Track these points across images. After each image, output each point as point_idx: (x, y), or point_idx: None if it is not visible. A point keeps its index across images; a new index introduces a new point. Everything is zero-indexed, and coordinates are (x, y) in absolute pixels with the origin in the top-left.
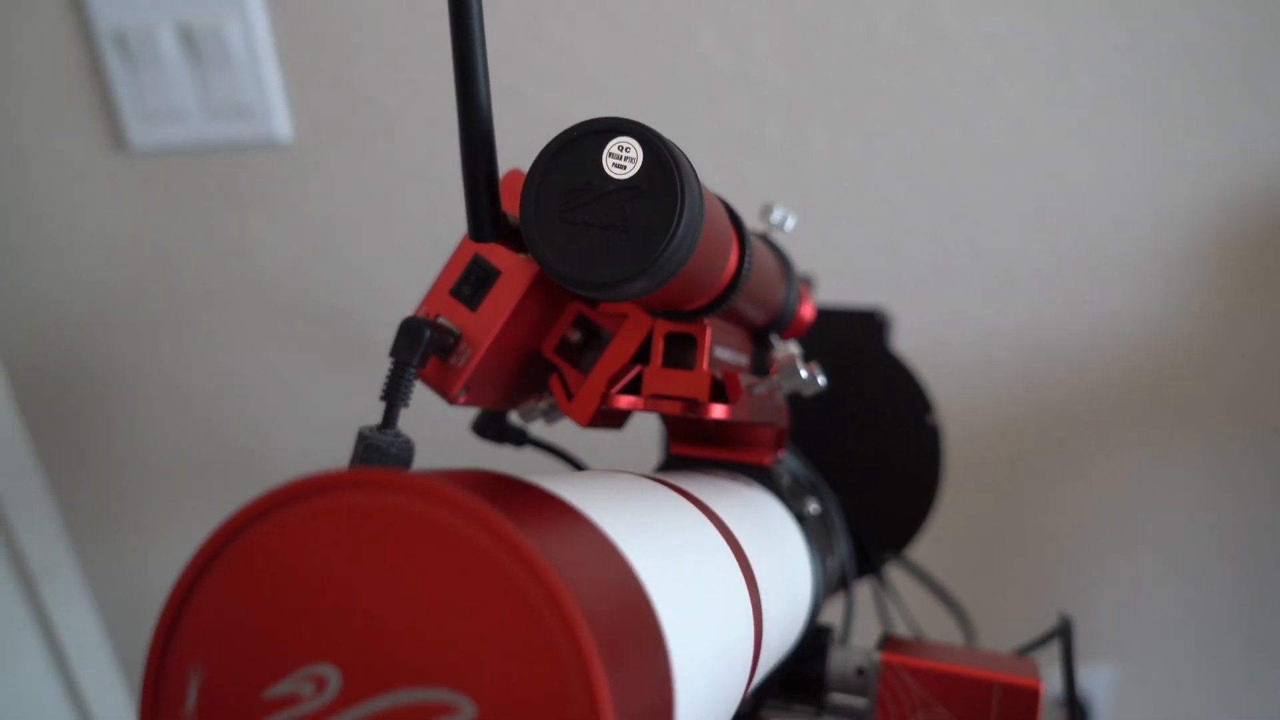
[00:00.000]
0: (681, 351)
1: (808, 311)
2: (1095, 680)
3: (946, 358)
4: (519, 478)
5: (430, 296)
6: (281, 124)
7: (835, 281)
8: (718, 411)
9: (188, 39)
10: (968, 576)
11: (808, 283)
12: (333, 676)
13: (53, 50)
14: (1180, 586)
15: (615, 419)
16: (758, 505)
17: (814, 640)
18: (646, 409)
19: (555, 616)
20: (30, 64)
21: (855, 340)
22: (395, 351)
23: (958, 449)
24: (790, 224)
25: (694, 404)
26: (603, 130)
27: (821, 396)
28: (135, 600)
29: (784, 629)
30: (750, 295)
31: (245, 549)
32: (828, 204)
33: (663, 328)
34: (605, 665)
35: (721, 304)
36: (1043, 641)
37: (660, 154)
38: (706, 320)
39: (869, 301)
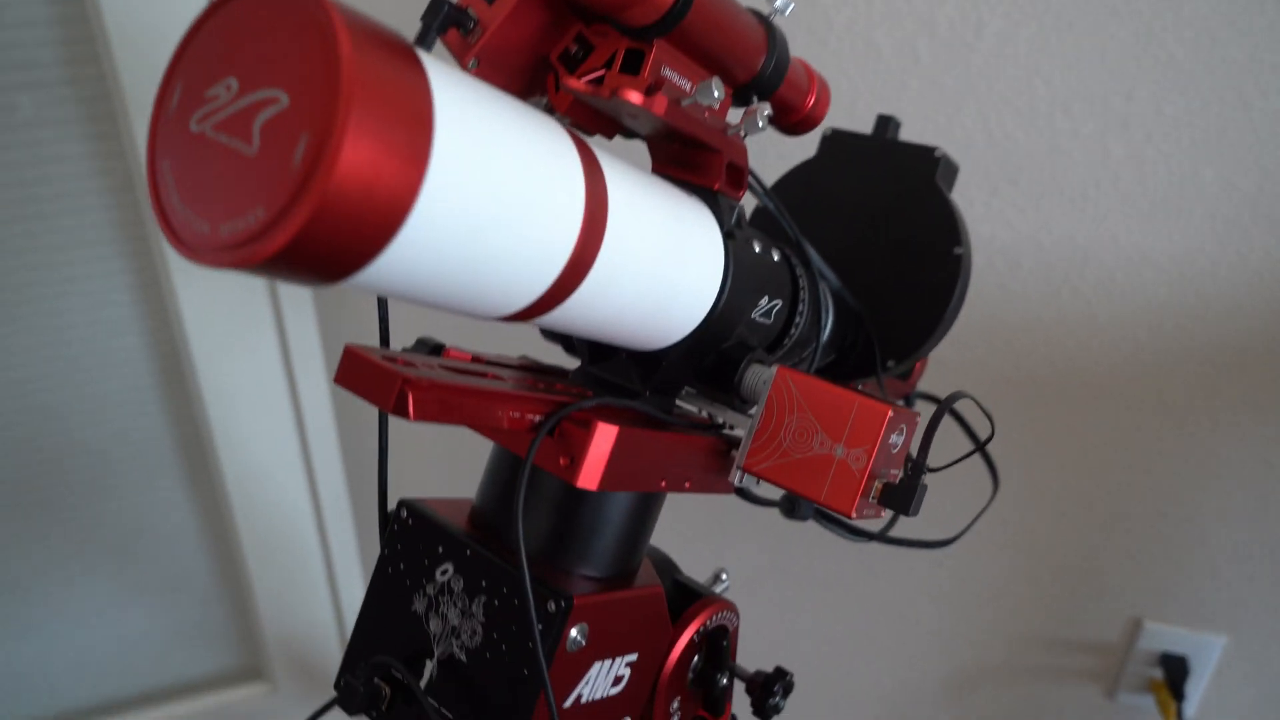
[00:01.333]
0: (641, 68)
1: (815, 105)
2: (1205, 648)
3: (1092, 274)
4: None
5: None
6: None
7: (988, 172)
8: (633, 97)
9: None
10: (1086, 518)
11: (952, 171)
12: (235, 84)
13: None
14: None
15: (597, 121)
16: (674, 196)
17: (738, 353)
18: (590, 93)
19: (334, 53)
20: None
21: (911, 171)
22: (424, 18)
23: (1090, 373)
24: (789, 10)
25: (618, 89)
26: None
27: (865, 216)
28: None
29: (650, 274)
30: (707, 36)
31: (213, 21)
32: (992, 93)
33: (624, 44)
34: (357, 89)
35: (667, 26)
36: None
37: None
38: (655, 40)
39: (1017, 201)
